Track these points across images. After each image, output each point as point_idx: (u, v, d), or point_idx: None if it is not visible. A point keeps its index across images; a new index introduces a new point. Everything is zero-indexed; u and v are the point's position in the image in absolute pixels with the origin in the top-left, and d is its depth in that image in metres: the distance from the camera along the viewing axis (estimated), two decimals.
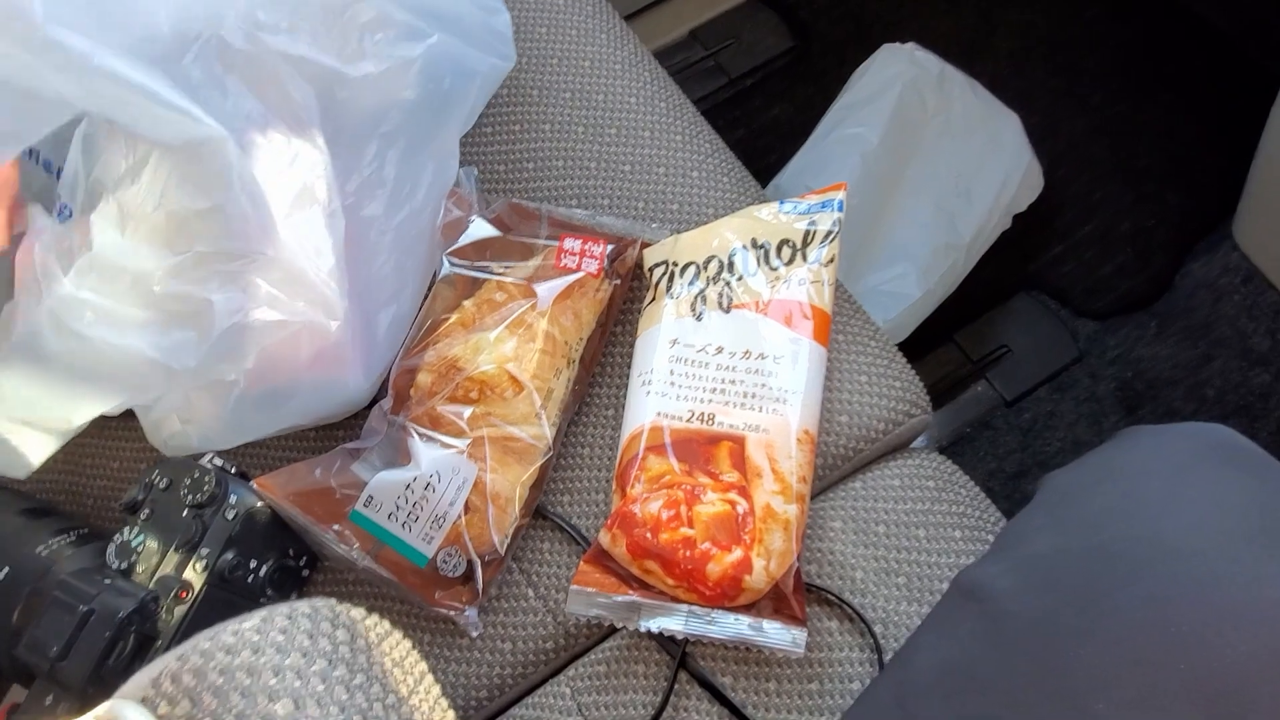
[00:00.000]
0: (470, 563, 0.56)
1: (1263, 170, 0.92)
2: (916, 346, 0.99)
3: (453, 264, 0.60)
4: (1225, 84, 1.09)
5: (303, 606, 0.29)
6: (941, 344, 1.03)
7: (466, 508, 0.55)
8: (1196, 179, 1.06)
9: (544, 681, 0.57)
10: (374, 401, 0.61)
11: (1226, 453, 0.42)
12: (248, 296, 0.50)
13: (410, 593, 0.56)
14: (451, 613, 0.56)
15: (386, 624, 0.32)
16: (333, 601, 0.30)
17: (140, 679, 0.27)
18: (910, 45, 1.01)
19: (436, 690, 0.32)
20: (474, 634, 0.56)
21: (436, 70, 0.58)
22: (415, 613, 0.58)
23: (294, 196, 0.52)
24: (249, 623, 0.28)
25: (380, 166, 0.58)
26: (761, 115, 1.17)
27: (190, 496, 0.54)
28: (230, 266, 0.50)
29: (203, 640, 0.27)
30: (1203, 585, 0.37)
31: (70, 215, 0.57)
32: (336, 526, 0.56)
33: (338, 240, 0.54)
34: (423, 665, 0.32)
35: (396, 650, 0.31)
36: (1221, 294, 0.99)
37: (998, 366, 1.02)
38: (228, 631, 0.28)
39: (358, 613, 0.30)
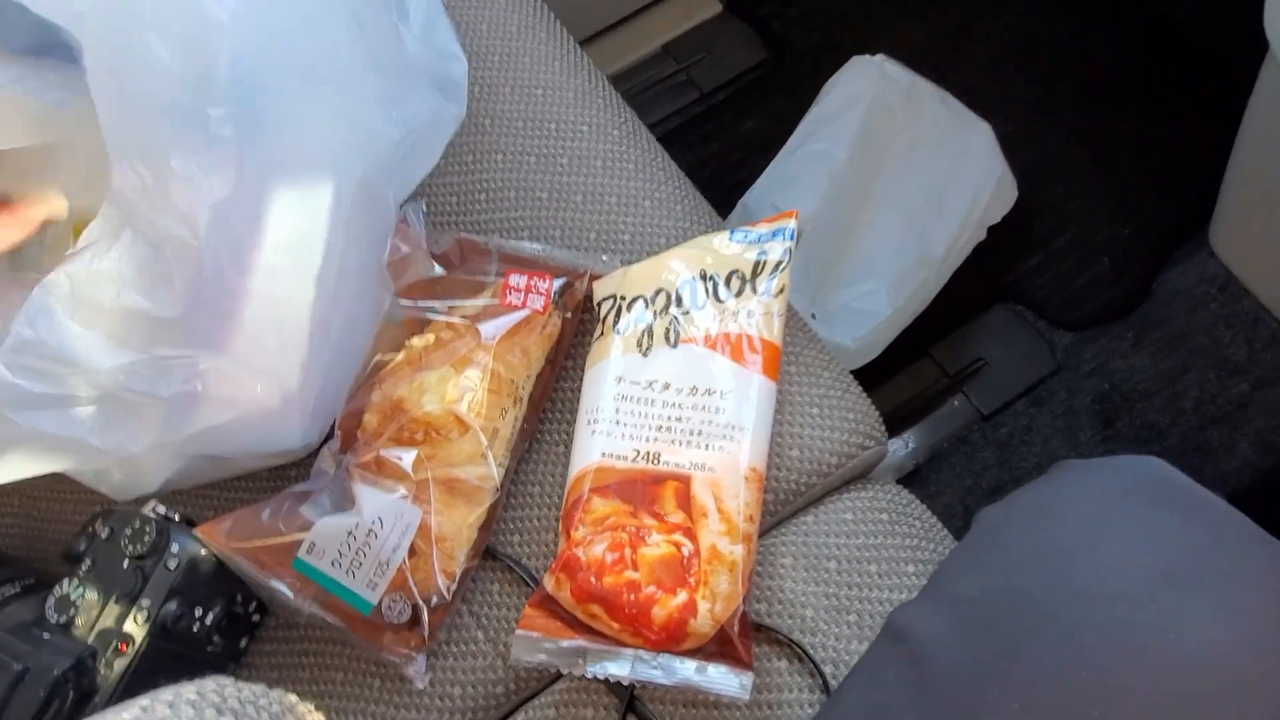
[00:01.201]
0: (416, 607, 0.55)
1: (1238, 176, 0.90)
2: (892, 362, 0.98)
3: (400, 304, 0.60)
4: (1200, 91, 1.08)
5: (188, 692, 0.28)
6: (918, 358, 1.02)
7: (411, 551, 0.54)
8: (1173, 187, 1.05)
9: None
10: (325, 441, 0.60)
11: (1155, 490, 0.41)
12: (203, 393, 0.49)
13: (358, 639, 0.55)
14: (399, 660, 0.55)
15: (287, 699, 0.31)
16: (222, 683, 0.29)
17: None
18: (880, 57, 1.00)
19: None
20: (420, 685, 0.55)
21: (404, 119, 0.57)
22: (364, 657, 0.57)
23: (264, 280, 0.51)
24: (127, 713, 0.27)
25: (337, 215, 0.57)
26: (735, 129, 1.16)
27: (130, 547, 0.53)
28: (188, 368, 0.49)
29: None
30: (1113, 632, 0.36)
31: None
32: (281, 574, 0.55)
33: (304, 321, 0.54)
34: None
35: None
36: (1198, 302, 0.98)
37: (975, 380, 1.01)
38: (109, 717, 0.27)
39: (249, 693, 0.30)
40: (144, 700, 0.28)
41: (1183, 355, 0.97)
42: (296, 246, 0.53)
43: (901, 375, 1.02)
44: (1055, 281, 1.04)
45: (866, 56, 1.01)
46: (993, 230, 1.01)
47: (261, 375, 0.53)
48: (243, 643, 0.59)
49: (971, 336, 1.03)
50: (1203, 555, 0.38)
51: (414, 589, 0.54)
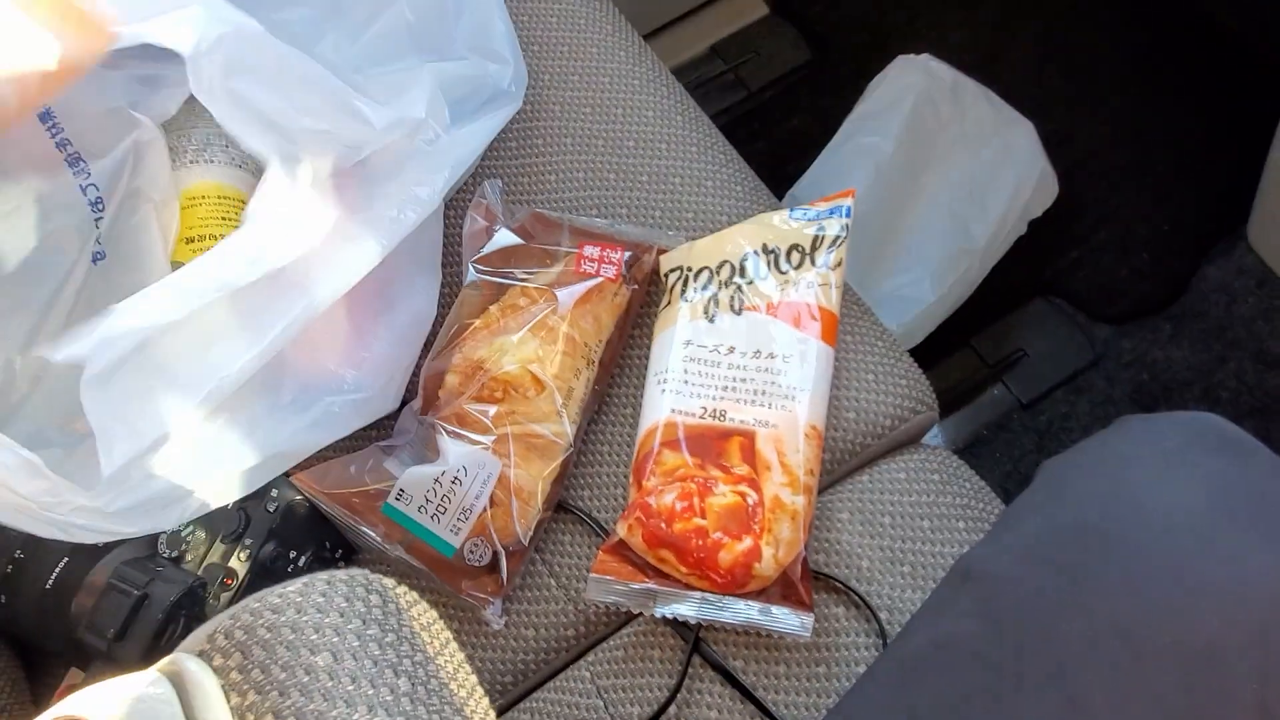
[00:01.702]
0: (495, 553, 0.59)
1: (1276, 173, 0.93)
2: (933, 351, 1.01)
3: (478, 271, 0.64)
4: (1240, 88, 1.10)
5: (340, 574, 0.32)
6: (958, 349, 1.05)
7: (491, 501, 0.58)
8: (1211, 183, 1.07)
9: (565, 667, 0.60)
10: (405, 403, 0.64)
11: (1214, 439, 0.44)
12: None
13: (440, 582, 0.59)
14: (477, 603, 0.59)
15: (414, 594, 0.35)
16: (366, 571, 0.33)
17: (198, 635, 0.31)
18: (925, 56, 1.04)
19: (461, 656, 0.35)
20: (496, 626, 0.59)
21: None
22: (444, 601, 0.61)
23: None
24: (292, 587, 0.31)
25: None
26: (781, 127, 1.20)
27: None
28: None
29: (251, 602, 0.31)
30: (1181, 561, 0.39)
31: (103, 259, 0.61)
32: (370, 519, 0.59)
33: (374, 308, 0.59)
34: (447, 633, 0.35)
35: (424, 617, 0.34)
36: (1236, 297, 1.00)
37: (1014, 370, 1.03)
38: (274, 594, 0.31)
39: (389, 581, 0.34)
40: (303, 579, 0.32)
41: (1220, 348, 0.99)
42: (358, 239, 0.57)
43: (942, 364, 1.04)
44: (1095, 275, 1.06)
45: (912, 55, 1.05)
46: (1034, 224, 1.03)
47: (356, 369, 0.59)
48: None
49: (1012, 328, 1.05)
50: (1259, 497, 0.41)
51: (494, 535, 0.58)
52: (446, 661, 0.33)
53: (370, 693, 0.29)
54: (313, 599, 0.31)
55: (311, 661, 0.29)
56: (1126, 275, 1.06)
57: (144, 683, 0.29)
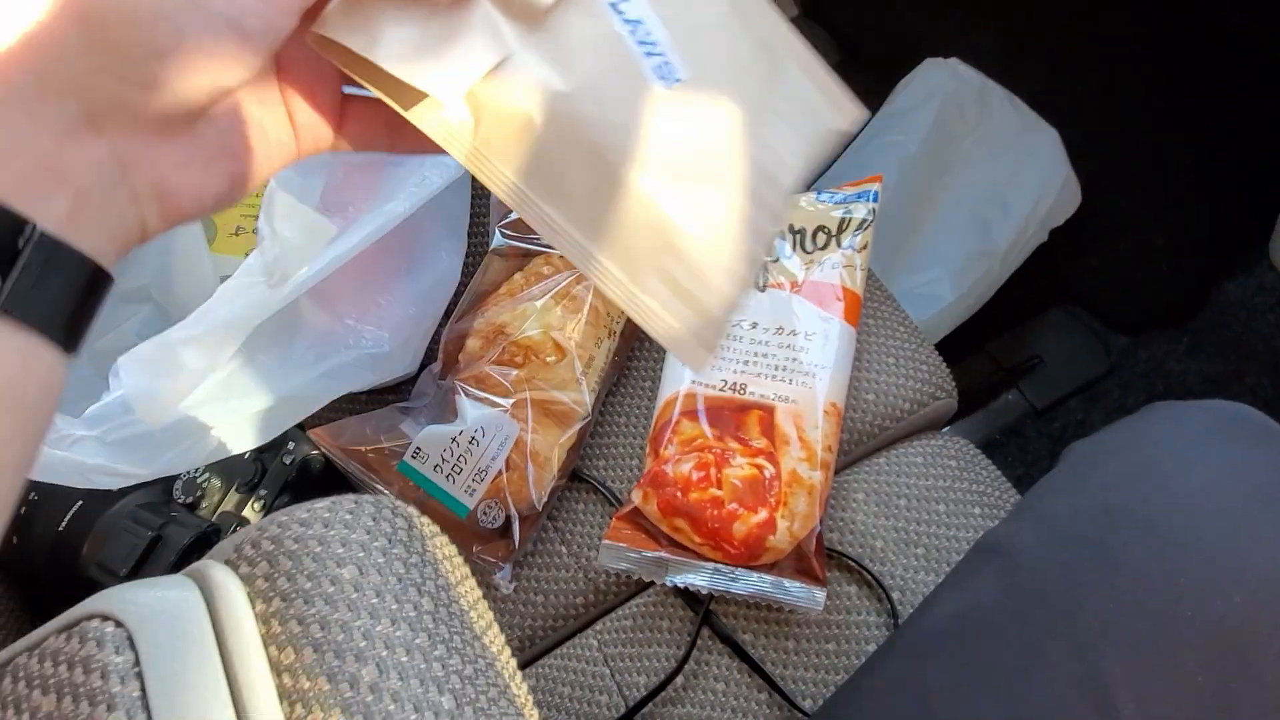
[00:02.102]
0: (509, 517, 0.59)
1: None
2: (948, 353, 0.99)
3: (505, 236, 0.64)
4: (1265, 105, 1.10)
5: (367, 497, 0.32)
6: (974, 352, 1.05)
7: (507, 465, 0.58)
8: (1234, 198, 1.07)
9: (573, 634, 0.59)
10: (424, 366, 0.64)
11: (1242, 427, 0.44)
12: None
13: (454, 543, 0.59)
14: (487, 566, 0.59)
15: (436, 526, 0.35)
16: (391, 496, 0.33)
17: (224, 545, 0.30)
18: (953, 60, 1.04)
19: (479, 591, 0.35)
20: (505, 591, 0.59)
21: None
22: None
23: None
24: (320, 504, 0.31)
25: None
26: None
27: None
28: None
29: (279, 515, 0.31)
30: (1210, 543, 0.39)
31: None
32: (385, 476, 0.59)
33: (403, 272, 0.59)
34: (466, 568, 0.35)
35: (446, 548, 0.34)
36: (1255, 313, 1.00)
37: (1029, 376, 1.03)
38: (301, 509, 0.31)
39: (413, 510, 0.34)
40: (330, 499, 0.32)
41: (1237, 362, 0.99)
42: (381, 198, 0.58)
43: (957, 367, 1.03)
44: (1113, 285, 1.06)
45: (940, 59, 1.05)
46: (1054, 232, 1.03)
47: (374, 325, 0.59)
48: None
49: (1028, 334, 1.05)
50: None
51: (508, 499, 0.58)
52: (468, 591, 0.33)
53: (394, 607, 0.29)
54: (340, 515, 0.31)
55: (337, 573, 0.29)
56: (1145, 286, 1.05)
57: (172, 584, 0.29)
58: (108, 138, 0.26)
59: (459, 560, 0.35)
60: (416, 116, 0.30)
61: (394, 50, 0.28)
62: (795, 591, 0.53)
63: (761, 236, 0.38)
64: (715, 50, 0.36)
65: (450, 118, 0.31)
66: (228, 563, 0.30)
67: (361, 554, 0.30)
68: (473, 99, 0.31)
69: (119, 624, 0.27)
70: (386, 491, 0.59)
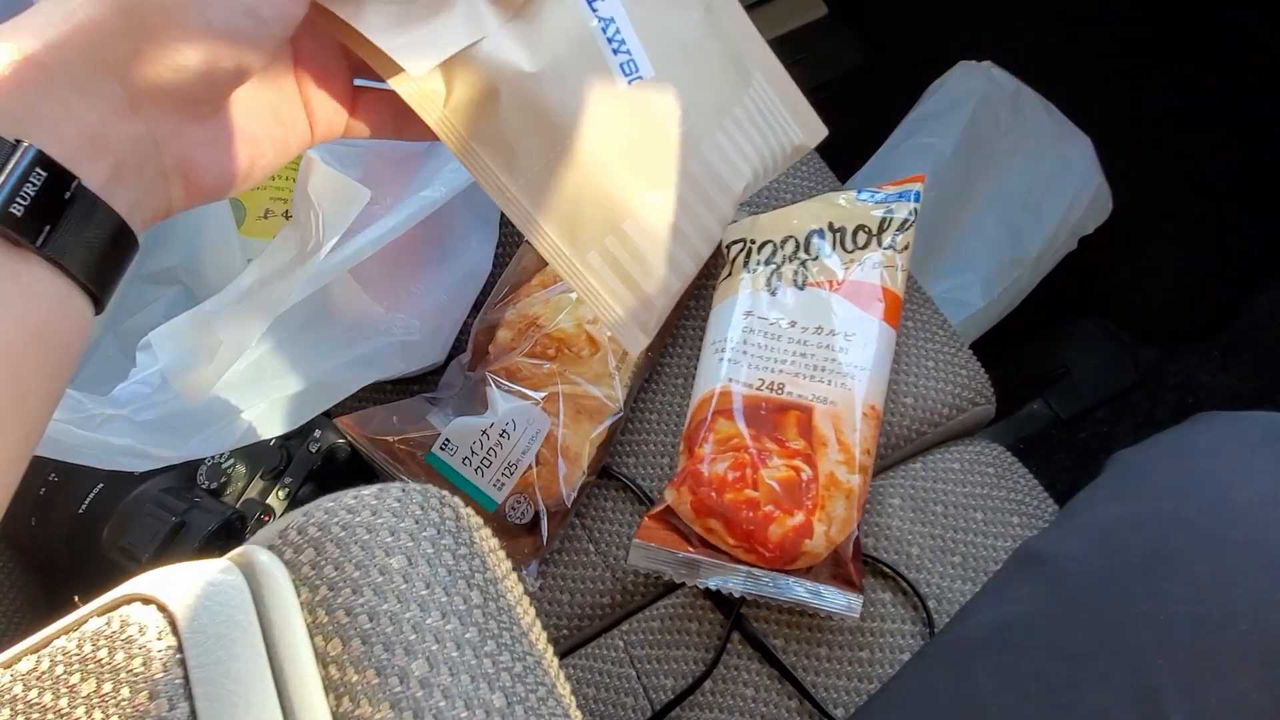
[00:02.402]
0: (537, 513, 0.58)
1: None
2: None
3: None
4: None
5: (414, 486, 0.31)
6: (1000, 360, 1.03)
7: (537, 460, 0.57)
8: (1268, 212, 1.06)
9: (599, 634, 0.58)
10: (451, 357, 0.63)
11: None
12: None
13: None
14: (514, 562, 0.58)
15: (480, 520, 0.34)
16: (435, 486, 0.32)
17: (268, 531, 0.29)
18: (987, 63, 1.03)
19: (520, 588, 0.34)
20: (530, 588, 0.58)
21: None
22: None
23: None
24: (367, 490, 0.30)
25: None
26: (833, 128, 1.18)
27: None
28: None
29: (326, 501, 0.30)
30: (1268, 555, 0.37)
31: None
32: (411, 468, 0.58)
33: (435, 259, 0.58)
34: (509, 562, 0.34)
35: (491, 540, 0.33)
36: None
37: (1056, 386, 1.02)
38: (349, 495, 0.30)
39: (458, 499, 0.33)
40: (377, 486, 0.31)
41: (1269, 377, 0.97)
42: (413, 187, 0.56)
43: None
44: (1143, 296, 1.05)
45: (973, 62, 1.04)
46: (1084, 241, 1.02)
47: (405, 313, 0.58)
48: None
49: (1055, 343, 1.04)
50: None
51: (537, 494, 0.57)
52: (513, 586, 0.32)
53: (444, 599, 0.28)
54: (388, 503, 0.30)
55: (386, 563, 0.28)
56: (1176, 298, 1.04)
57: (215, 569, 0.28)
58: (144, 116, 0.29)
59: (503, 554, 0.34)
60: (396, 82, 0.33)
61: (376, 20, 0.32)
62: (831, 598, 0.51)
63: (707, 235, 0.41)
64: (682, 55, 0.39)
65: (423, 86, 0.34)
66: (272, 548, 0.29)
67: (410, 543, 0.29)
68: (446, 70, 0.34)
69: (161, 607, 0.26)
70: (412, 481, 0.58)
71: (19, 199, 0.26)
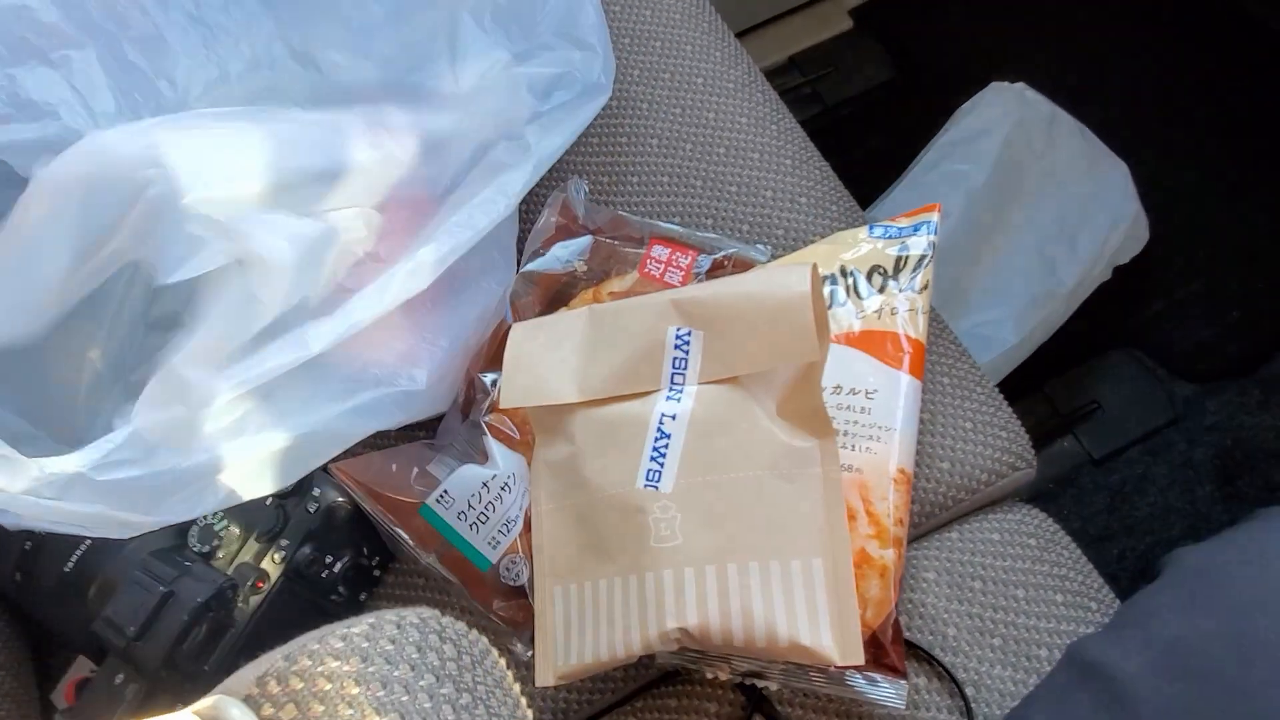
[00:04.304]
0: (532, 575, 0.54)
1: None
2: (1003, 394, 0.95)
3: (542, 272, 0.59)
4: None
5: (410, 616, 0.28)
6: (1029, 394, 0.99)
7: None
8: None
9: (610, 709, 0.55)
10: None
11: None
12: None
13: (470, 599, 0.55)
14: (508, 628, 0.54)
15: (485, 641, 0.31)
16: (437, 613, 0.29)
17: (244, 676, 0.26)
18: (1020, 85, 0.99)
19: (530, 715, 0.31)
20: (523, 658, 0.54)
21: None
22: (477, 623, 0.57)
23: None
24: (357, 628, 0.27)
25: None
26: (857, 146, 1.15)
27: None
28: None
29: (310, 642, 0.26)
30: None
31: None
32: (405, 521, 0.55)
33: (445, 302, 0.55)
34: (517, 687, 0.31)
35: (496, 670, 0.30)
36: None
37: (1087, 423, 0.98)
38: (335, 636, 0.26)
39: (461, 626, 0.29)
40: (370, 618, 0.27)
41: None
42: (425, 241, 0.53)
43: (1011, 409, 0.99)
44: (1180, 330, 1.00)
45: (1005, 83, 1.00)
46: (1118, 271, 0.98)
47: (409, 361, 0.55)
48: (363, 596, 0.58)
49: (1087, 377, 0.99)
50: None
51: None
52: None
53: None
54: (380, 646, 0.26)
55: None
56: (1214, 333, 1.00)
57: None
58: None
59: (509, 682, 0.30)
60: None
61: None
62: (871, 688, 0.48)
63: (638, 642, 0.45)
64: (715, 496, 0.45)
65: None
66: (248, 698, 0.25)
67: (405, 698, 0.25)
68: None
69: None
70: (407, 537, 0.54)
71: None
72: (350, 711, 0.25)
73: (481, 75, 0.58)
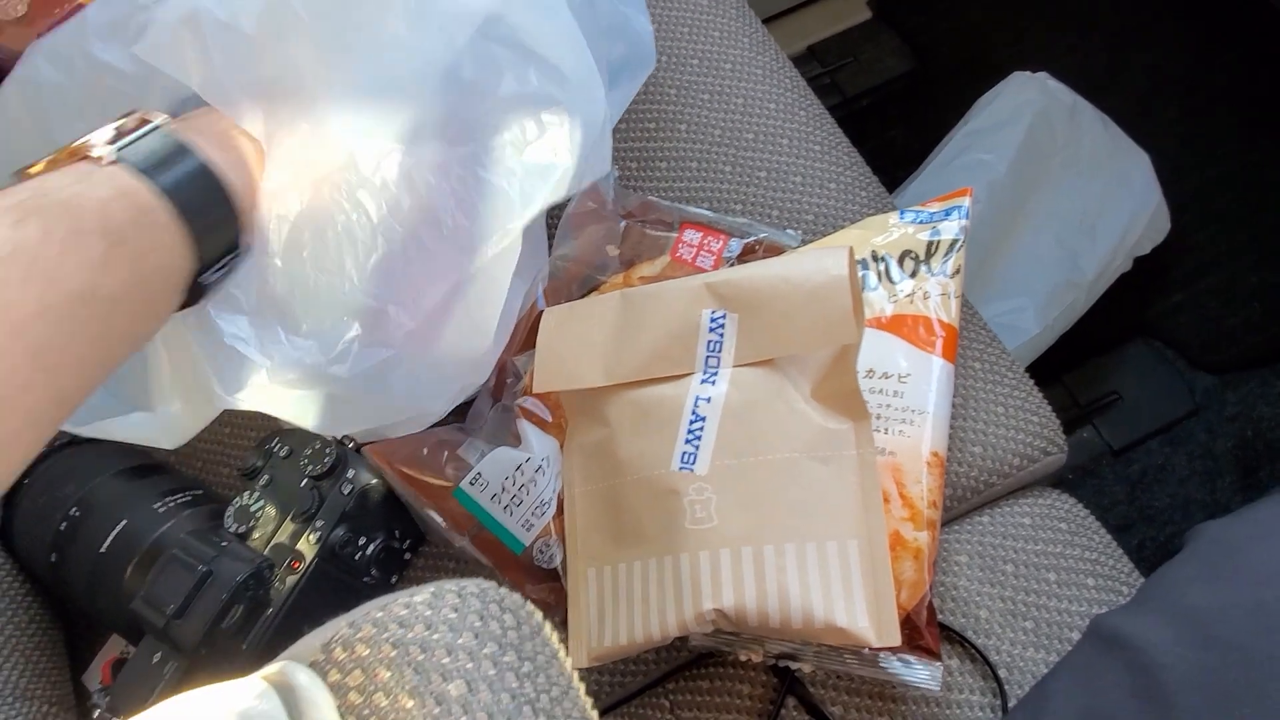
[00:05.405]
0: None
1: None
2: None
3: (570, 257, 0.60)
4: None
5: (470, 586, 0.28)
6: (1048, 384, 0.99)
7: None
8: None
9: (642, 691, 0.55)
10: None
11: None
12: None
13: (503, 579, 0.55)
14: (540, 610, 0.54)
15: (540, 614, 0.31)
16: (494, 584, 0.29)
17: (310, 643, 0.26)
18: (1042, 74, 0.98)
19: (582, 688, 0.31)
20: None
21: None
22: None
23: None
24: (420, 597, 0.27)
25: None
26: (876, 137, 1.15)
27: (310, 467, 0.54)
28: None
29: (374, 610, 0.26)
30: None
31: None
32: (438, 503, 0.55)
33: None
34: (570, 660, 0.31)
35: (552, 642, 0.30)
36: None
37: (1107, 413, 0.98)
38: (399, 603, 0.27)
39: (517, 598, 0.29)
40: (430, 588, 0.28)
41: None
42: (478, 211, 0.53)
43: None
44: (1200, 321, 1.00)
45: (1028, 73, 0.99)
46: (1138, 262, 0.98)
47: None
48: (394, 578, 0.59)
49: (1107, 368, 0.99)
50: None
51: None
52: (579, 697, 0.29)
53: None
54: (444, 614, 0.26)
55: (443, 690, 0.25)
56: (1234, 324, 1.00)
57: (250, 695, 0.25)
58: None
59: (565, 653, 0.30)
60: None
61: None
62: (907, 670, 0.48)
63: (674, 623, 0.46)
64: (750, 478, 0.46)
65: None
66: (314, 664, 0.26)
67: (470, 664, 0.25)
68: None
69: None
70: (440, 518, 0.55)
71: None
72: (416, 678, 0.25)
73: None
